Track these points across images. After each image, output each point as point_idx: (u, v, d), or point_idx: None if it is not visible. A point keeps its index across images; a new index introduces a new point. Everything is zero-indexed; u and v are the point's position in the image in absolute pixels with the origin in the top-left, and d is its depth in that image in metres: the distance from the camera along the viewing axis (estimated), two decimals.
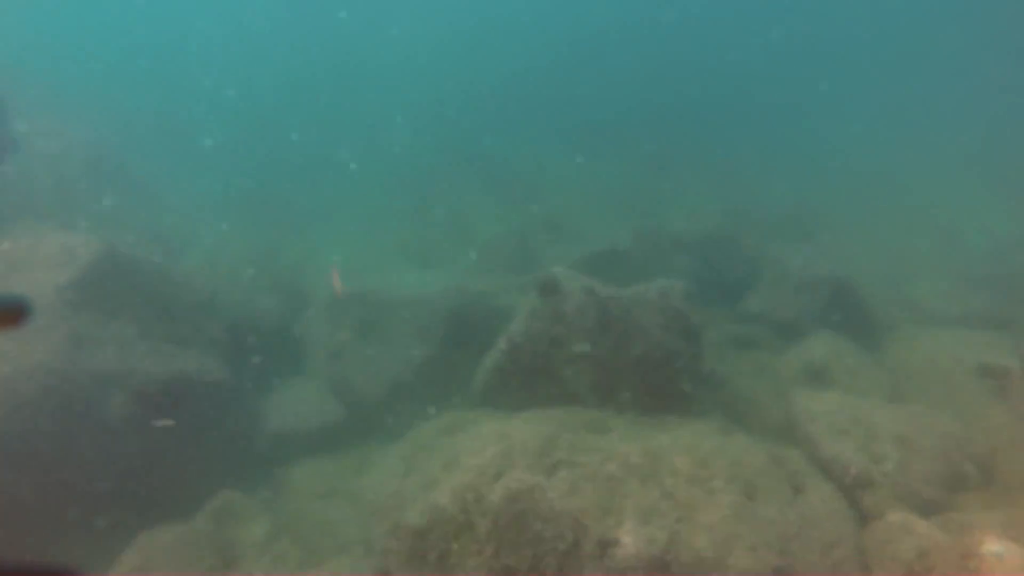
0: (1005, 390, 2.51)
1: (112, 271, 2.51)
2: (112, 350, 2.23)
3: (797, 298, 3.39)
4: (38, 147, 3.95)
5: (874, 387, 2.66)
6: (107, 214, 3.51)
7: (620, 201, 5.28)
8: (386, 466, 2.25)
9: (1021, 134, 6.35)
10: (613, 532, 1.45)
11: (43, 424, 1.94)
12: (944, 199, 5.43)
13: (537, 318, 2.35)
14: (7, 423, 1.89)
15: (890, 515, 1.73)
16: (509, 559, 1.41)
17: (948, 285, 3.90)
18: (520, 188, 5.59)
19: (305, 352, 3.15)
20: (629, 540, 1.43)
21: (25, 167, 3.55)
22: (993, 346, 2.82)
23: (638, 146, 6.40)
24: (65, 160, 4.04)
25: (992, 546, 1.49)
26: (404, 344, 2.91)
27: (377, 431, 2.66)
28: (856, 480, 1.85)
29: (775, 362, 2.91)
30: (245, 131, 7.09)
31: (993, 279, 3.88)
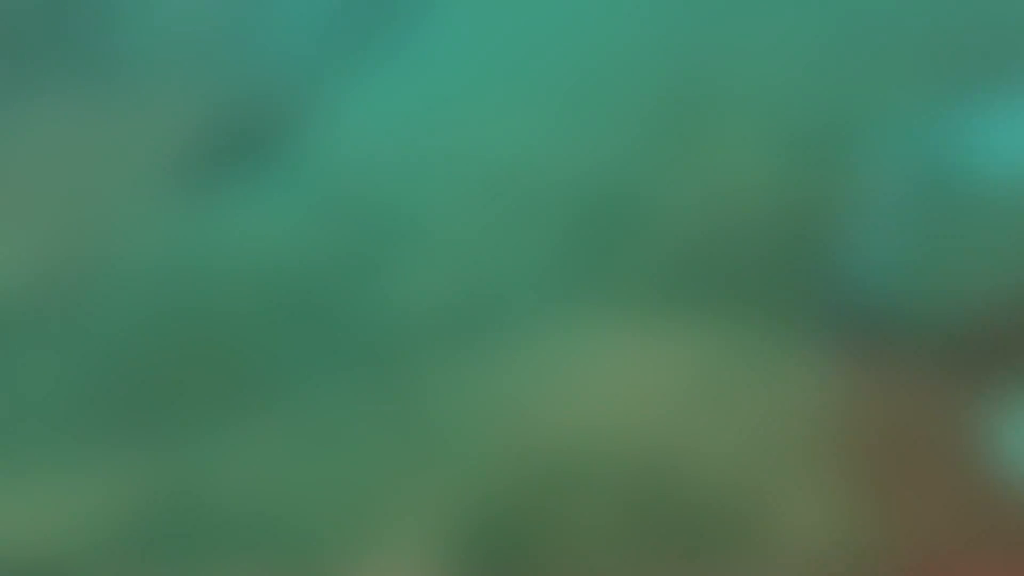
0: None
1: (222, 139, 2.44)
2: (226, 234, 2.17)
3: None
4: None
5: None
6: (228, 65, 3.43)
7: None
8: (507, 372, 2.08)
9: None
10: (792, 509, 1.15)
11: None
12: None
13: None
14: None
15: None
16: (642, 533, 1.16)
17: None
18: None
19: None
20: (811, 520, 1.13)
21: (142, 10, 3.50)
22: None
23: None
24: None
25: None
26: (527, 224, 2.62)
27: (507, 321, 2.46)
28: None
29: None
30: None
31: None
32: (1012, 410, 0.56)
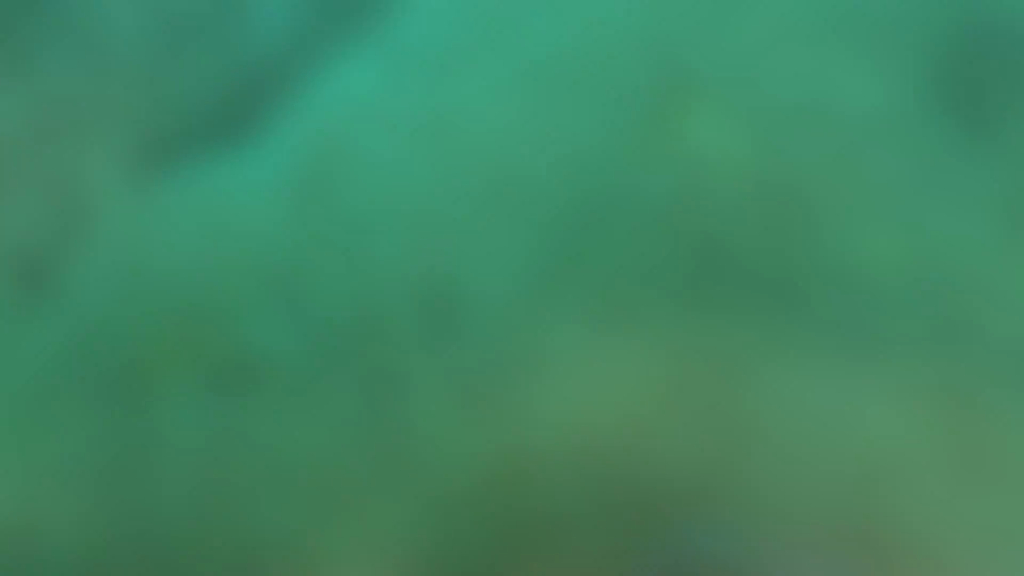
0: None
1: None
2: None
3: None
4: None
5: None
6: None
7: None
8: (484, 365, 2.08)
9: None
10: (783, 509, 1.11)
11: None
12: None
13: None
14: None
15: None
16: (622, 533, 1.06)
17: None
18: None
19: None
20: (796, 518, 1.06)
21: None
22: None
23: None
24: None
25: None
26: (505, 213, 2.65)
27: (483, 313, 2.48)
28: None
29: None
30: None
31: None
32: None
